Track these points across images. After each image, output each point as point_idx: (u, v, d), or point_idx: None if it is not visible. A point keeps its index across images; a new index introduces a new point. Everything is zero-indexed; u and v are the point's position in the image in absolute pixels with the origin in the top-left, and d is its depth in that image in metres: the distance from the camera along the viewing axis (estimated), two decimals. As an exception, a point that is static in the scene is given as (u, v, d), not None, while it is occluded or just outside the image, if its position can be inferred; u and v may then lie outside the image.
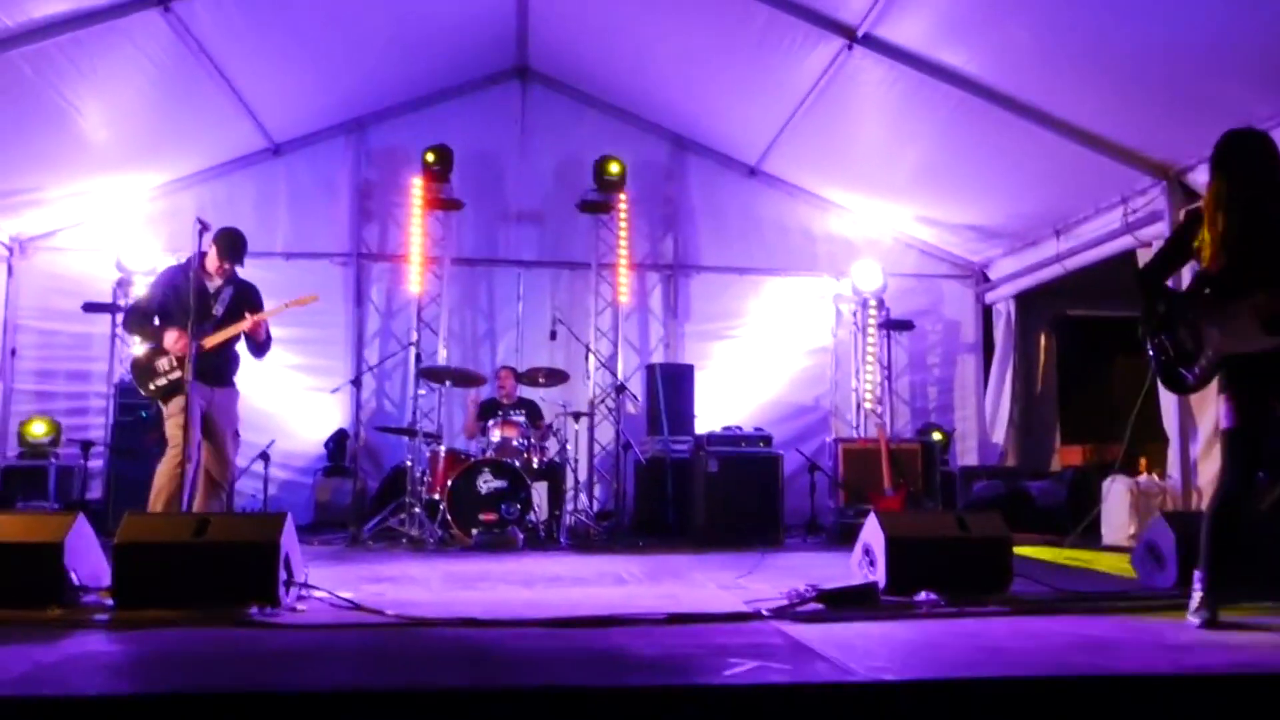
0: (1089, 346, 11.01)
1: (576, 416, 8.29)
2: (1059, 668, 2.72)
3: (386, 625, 3.44)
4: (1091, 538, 7.67)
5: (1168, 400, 7.34)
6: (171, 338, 5.24)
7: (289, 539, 3.77)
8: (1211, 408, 6.94)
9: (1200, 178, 7.03)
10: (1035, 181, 8.14)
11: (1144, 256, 7.70)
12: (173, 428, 5.20)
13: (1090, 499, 7.89)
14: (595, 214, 9.60)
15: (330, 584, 4.04)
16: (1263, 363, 3.54)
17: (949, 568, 4.14)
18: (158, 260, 8.10)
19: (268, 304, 5.65)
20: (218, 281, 5.50)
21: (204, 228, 5.21)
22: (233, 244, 5.48)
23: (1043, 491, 8.91)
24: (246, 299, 5.57)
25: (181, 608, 3.50)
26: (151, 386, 5.31)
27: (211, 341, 5.28)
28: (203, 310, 5.27)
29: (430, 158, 9.03)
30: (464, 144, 9.32)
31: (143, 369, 5.36)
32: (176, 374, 5.24)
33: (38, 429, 8.29)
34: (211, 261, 5.45)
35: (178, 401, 5.18)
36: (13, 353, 8.76)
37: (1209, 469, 6.96)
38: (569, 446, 8.16)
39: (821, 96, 7.96)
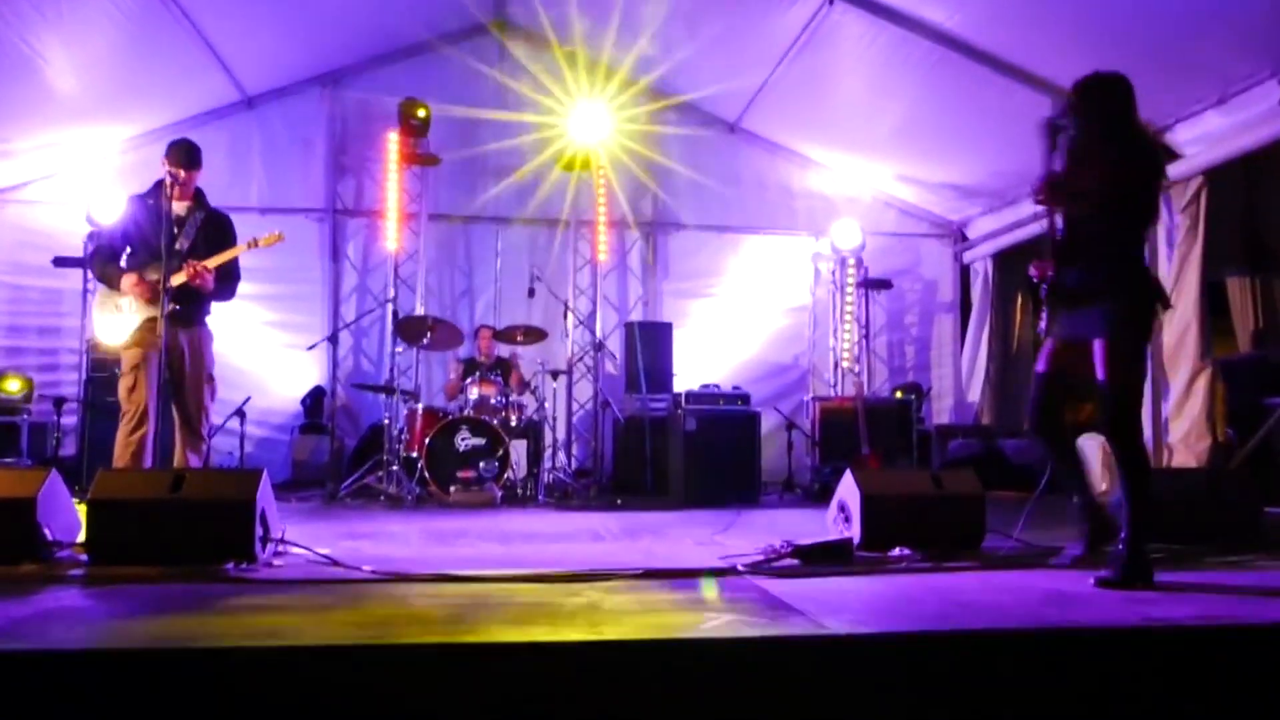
0: (1065, 306, 11.08)
1: (555, 375, 8.29)
2: (1029, 619, 2.76)
3: (364, 580, 3.45)
4: (1064, 495, 7.77)
5: (1141, 359, 7.42)
6: (128, 283, 4.83)
7: (265, 495, 3.76)
8: (1184, 366, 7.03)
9: (1179, 136, 7.06)
10: (1015, 140, 8.06)
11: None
12: (122, 389, 4.84)
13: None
14: (573, 170, 9.52)
15: (308, 541, 4.03)
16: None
17: (924, 524, 4.19)
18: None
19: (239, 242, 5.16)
20: (184, 208, 5.00)
21: (167, 152, 4.89)
22: (185, 149, 4.95)
23: (1018, 450, 9.00)
24: (216, 229, 5.06)
25: (157, 564, 3.50)
26: (111, 332, 4.88)
27: (167, 282, 4.74)
28: (168, 245, 4.79)
29: (407, 112, 8.92)
30: (441, 98, 9.21)
31: (104, 311, 4.92)
32: (134, 318, 4.84)
33: (11, 385, 8.20)
34: (174, 188, 4.91)
35: (130, 357, 4.83)
36: (-17, 307, 8.64)
37: (1180, 427, 7.06)
38: (547, 405, 8.17)
39: (802, 52, 7.90)
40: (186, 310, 4.91)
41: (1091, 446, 7.60)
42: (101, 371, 7.62)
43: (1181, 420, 7.05)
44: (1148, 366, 3.77)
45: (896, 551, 4.05)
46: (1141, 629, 2.63)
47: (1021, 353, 10.41)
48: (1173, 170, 7.09)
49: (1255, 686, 2.47)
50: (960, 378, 10.20)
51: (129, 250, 4.97)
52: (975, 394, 10.01)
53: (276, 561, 3.79)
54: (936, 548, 4.08)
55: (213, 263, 4.89)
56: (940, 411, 10.16)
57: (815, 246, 10.00)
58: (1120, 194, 3.58)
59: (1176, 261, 7.11)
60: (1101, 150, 3.67)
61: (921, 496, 4.30)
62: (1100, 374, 3.57)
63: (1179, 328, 7.10)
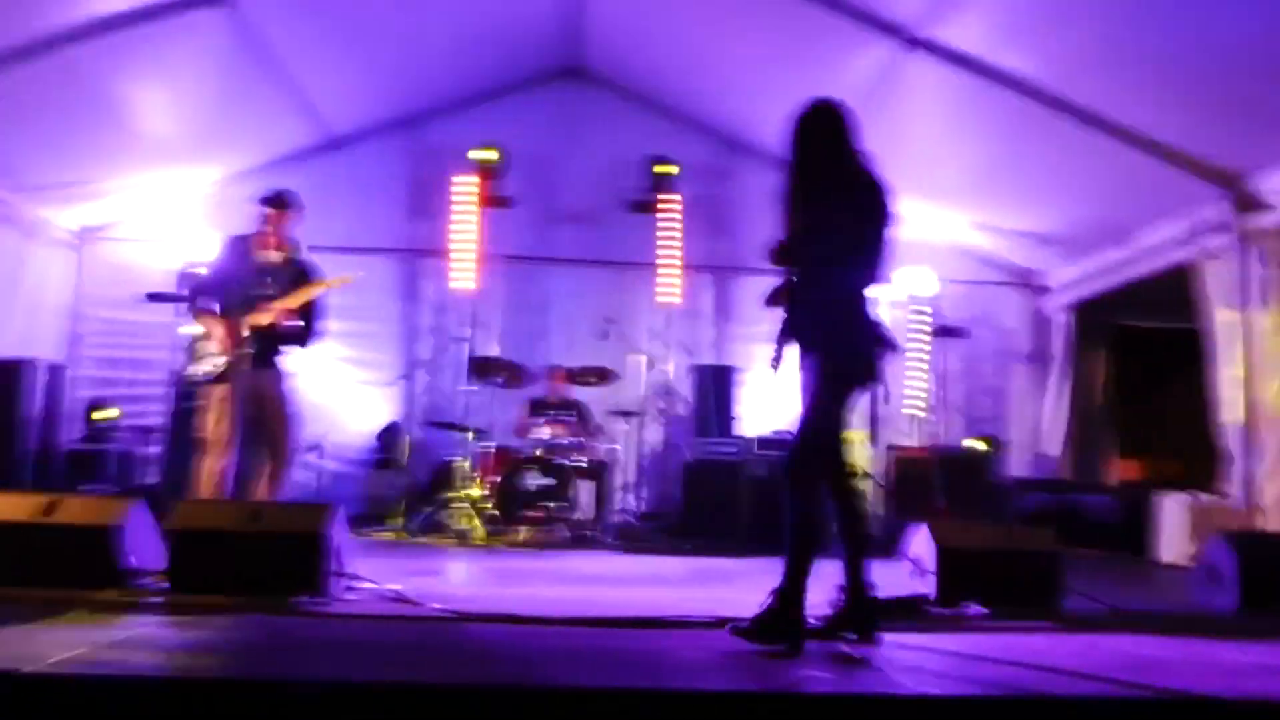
0: (1147, 359, 10.76)
1: (625, 416, 8.29)
2: (1110, 687, 2.65)
3: (431, 619, 3.47)
4: (1145, 554, 7.51)
5: (1231, 416, 7.15)
6: (221, 330, 5.02)
7: (339, 530, 3.82)
8: (1277, 427, 6.75)
9: (1264, 184, 6.84)
10: (1094, 189, 7.97)
11: (1207, 268, 7.51)
12: (210, 422, 4.98)
13: (1146, 515, 7.71)
14: (646, 214, 9.59)
15: (378, 576, 4.07)
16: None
17: (999, 580, 4.08)
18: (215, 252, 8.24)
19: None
20: (278, 256, 5.22)
21: (262, 203, 5.14)
22: (282, 199, 5.22)
23: (1097, 506, 8.73)
24: (303, 279, 5.25)
25: (233, 594, 3.56)
26: (199, 372, 5.06)
27: (253, 326, 5.00)
28: (256, 291, 5.04)
29: (484, 155, 9.09)
30: (517, 141, 9.36)
31: (194, 352, 5.12)
32: (221, 359, 5.00)
33: (102, 414, 8.50)
34: (270, 237, 5.17)
35: (217, 392, 4.98)
36: (79, 339, 8.99)
37: (1273, 489, 6.77)
38: (616, 446, 8.17)
39: (875, 99, 7.84)
40: (269, 352, 5.14)
41: (1176, 506, 7.34)
42: (187, 403, 7.84)
43: (1275, 482, 6.76)
44: (842, 419, 3.39)
45: (971, 608, 3.94)
46: (1237, 703, 2.50)
47: (1102, 405, 10.12)
48: (1263, 221, 6.88)
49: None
50: (1038, 429, 9.94)
51: (221, 294, 5.18)
52: (1054, 447, 9.73)
53: (347, 596, 3.83)
54: (1012, 605, 3.96)
55: (291, 302, 5.09)
56: (1017, 464, 9.90)
57: (889, 293, 9.88)
58: (816, 238, 3.35)
59: (1269, 317, 6.85)
60: (799, 191, 3.46)
61: (998, 552, 4.19)
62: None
63: (1273, 386, 6.83)
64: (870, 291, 3.46)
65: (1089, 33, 6.21)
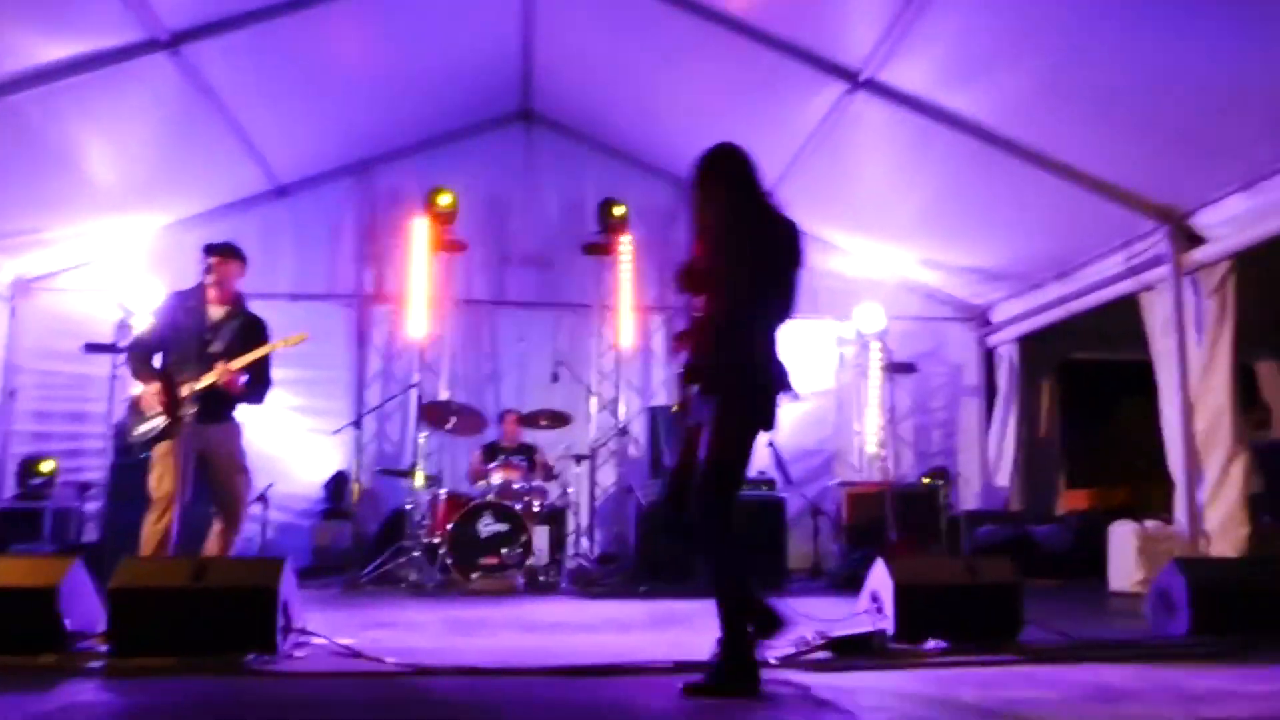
0: (1092, 390, 10.99)
1: (578, 459, 8.24)
2: (1074, 718, 2.65)
3: (387, 674, 3.37)
4: (1097, 583, 7.59)
5: (1173, 444, 7.30)
6: (150, 391, 4.88)
7: (288, 584, 3.72)
8: (1218, 452, 6.90)
9: (1203, 220, 7.05)
10: (1038, 225, 8.15)
11: (1147, 300, 7.69)
12: (153, 480, 4.85)
13: (1097, 544, 7.81)
14: (598, 256, 9.62)
15: (329, 630, 3.96)
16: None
17: (959, 614, 4.08)
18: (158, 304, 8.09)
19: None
20: (221, 312, 5.10)
21: (208, 251, 5.02)
22: (228, 248, 5.11)
23: (1048, 536, 8.82)
24: (251, 335, 5.11)
25: (178, 654, 3.44)
26: (136, 432, 4.93)
27: (198, 387, 4.86)
28: (201, 348, 4.93)
29: (437, 200, 9.07)
30: (469, 186, 9.37)
31: (135, 411, 5.00)
32: (159, 420, 4.86)
33: (38, 469, 8.22)
34: (213, 291, 5.06)
35: (160, 449, 4.86)
36: (11, 394, 8.71)
37: (1216, 513, 6.90)
38: (570, 490, 8.11)
39: (825, 140, 8.00)
40: (215, 409, 4.99)
41: (1125, 534, 7.45)
42: (126, 458, 7.62)
43: (1218, 506, 6.89)
44: (746, 460, 3.33)
45: (931, 643, 3.93)
46: (1196, 730, 2.52)
47: (1049, 437, 10.29)
48: (1199, 254, 7.08)
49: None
50: (987, 462, 10.06)
51: (163, 350, 5.05)
52: (1003, 479, 9.85)
53: (298, 653, 3.72)
54: (973, 639, 3.96)
55: (238, 363, 4.94)
56: (967, 497, 9.99)
57: (839, 330, 9.98)
58: (717, 277, 3.32)
59: (1207, 345, 7.03)
60: (704, 230, 3.45)
61: (956, 586, 4.20)
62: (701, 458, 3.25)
63: (1211, 413, 6.99)
64: (777, 332, 3.41)
65: (1032, 73, 6.38)
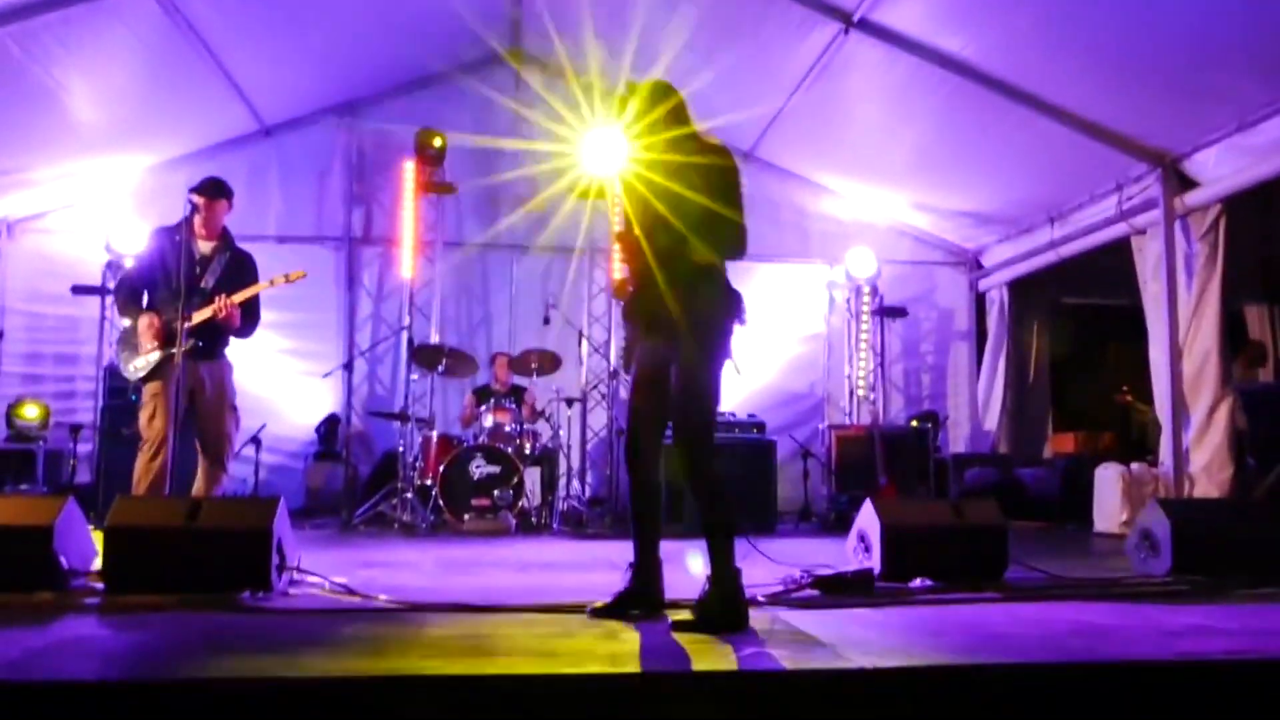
0: (1083, 334, 11.02)
1: (570, 402, 8.27)
2: (1055, 653, 2.71)
3: (380, 610, 3.42)
4: (1084, 525, 7.70)
5: (1161, 387, 7.36)
6: (144, 323, 4.85)
7: (281, 524, 3.74)
8: (1205, 395, 6.97)
9: (1194, 166, 7.03)
10: (1031, 168, 8.13)
11: (1138, 244, 7.70)
12: (144, 419, 4.85)
13: (1083, 486, 7.91)
14: (589, 199, 9.55)
15: (323, 569, 4.01)
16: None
17: (945, 555, 4.14)
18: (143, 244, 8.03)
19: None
20: (209, 247, 5.02)
21: (193, 192, 4.92)
22: (214, 186, 5.03)
23: (1035, 479, 8.94)
24: (241, 269, 5.07)
25: (173, 592, 3.47)
26: (130, 368, 4.92)
27: (196, 320, 4.81)
28: (191, 283, 4.82)
29: (422, 141, 8.98)
30: (457, 127, 9.28)
31: (125, 348, 4.97)
32: (155, 355, 4.85)
33: (29, 412, 8.23)
34: (200, 225, 4.96)
35: (150, 388, 4.86)
36: (0, 335, 8.69)
37: (1200, 457, 6.98)
38: (562, 432, 8.15)
39: (818, 81, 7.92)
40: (208, 345, 4.94)
41: (1110, 477, 7.55)
42: (118, 399, 7.64)
43: (1203, 449, 6.97)
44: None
45: (917, 582, 4.00)
46: (1174, 663, 2.57)
47: (1038, 381, 10.36)
48: (1191, 198, 7.07)
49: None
50: (976, 406, 10.14)
51: (150, 287, 4.99)
52: (992, 422, 9.94)
53: (292, 590, 3.76)
54: (958, 578, 4.02)
55: (238, 298, 4.92)
56: (956, 440, 10.09)
57: (830, 274, 9.98)
58: (732, 223, 3.32)
59: (1196, 289, 7.06)
60: (654, 167, 3.42)
61: (942, 527, 4.25)
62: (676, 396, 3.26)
63: (1199, 356, 7.04)
64: (729, 262, 3.40)
65: (1027, 15, 6.32)
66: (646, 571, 3.35)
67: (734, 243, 3.37)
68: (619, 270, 7.98)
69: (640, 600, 3.29)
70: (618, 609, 3.25)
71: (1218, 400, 6.93)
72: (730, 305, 3.35)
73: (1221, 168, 6.78)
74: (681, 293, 3.26)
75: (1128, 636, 2.99)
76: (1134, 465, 7.55)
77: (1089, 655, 2.67)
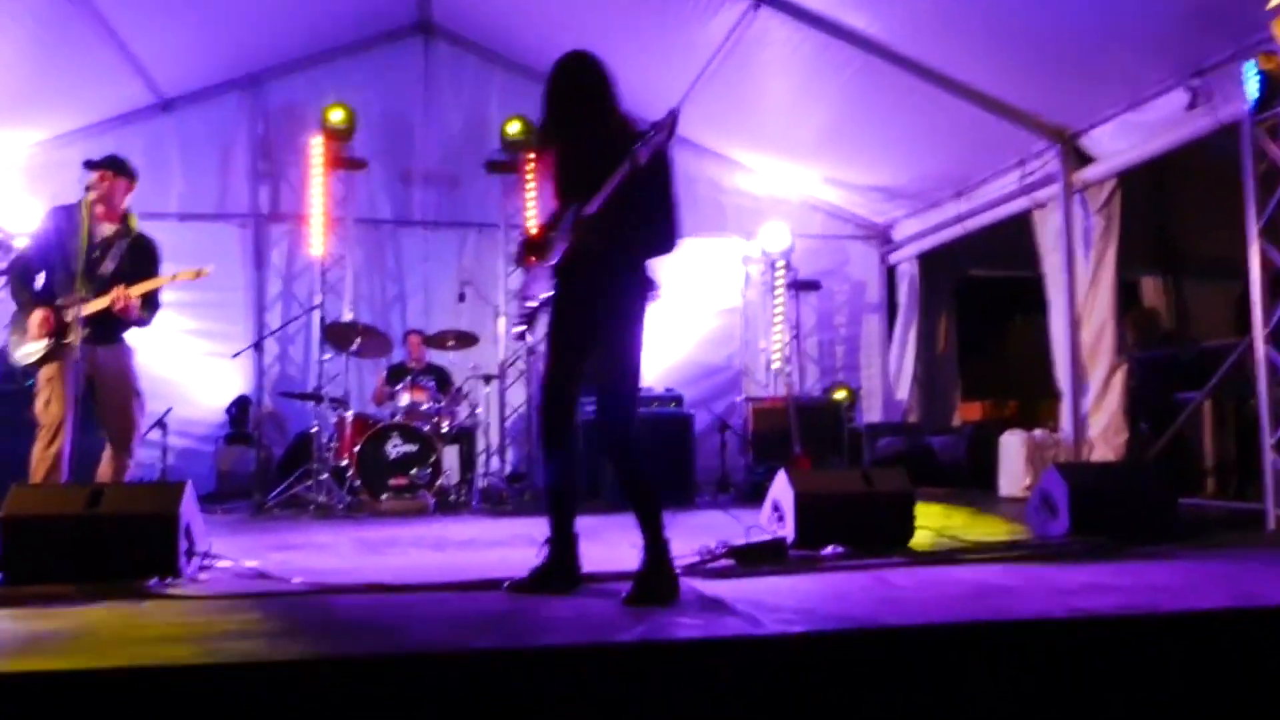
0: (988, 306, 11.36)
1: (487, 379, 8.23)
2: (958, 614, 2.82)
3: (294, 594, 3.38)
4: (989, 490, 7.97)
5: (1060, 356, 7.63)
6: (36, 319, 4.63)
7: (189, 508, 3.67)
8: (1102, 363, 7.25)
9: (1091, 142, 7.28)
10: (937, 144, 8.31)
11: (1039, 218, 7.95)
12: (39, 405, 4.65)
13: (989, 453, 8.18)
14: (503, 174, 9.47)
15: (235, 553, 3.94)
16: (560, 308, 3.37)
17: (856, 522, 4.26)
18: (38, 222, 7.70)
19: (163, 269, 4.99)
20: (110, 229, 4.81)
21: (90, 167, 4.72)
22: (114, 162, 4.83)
23: (944, 447, 9.20)
24: (142, 256, 4.87)
25: (76, 582, 3.38)
26: (19, 354, 4.70)
27: (89, 310, 4.62)
28: (88, 267, 4.64)
29: (332, 115, 8.78)
30: (367, 102, 9.11)
31: (15, 333, 4.73)
32: (44, 342, 4.63)
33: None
34: (100, 207, 4.76)
35: (45, 372, 4.66)
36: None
37: (1099, 422, 7.28)
38: (479, 410, 8.11)
39: (729, 57, 7.96)
40: (104, 328, 4.73)
41: (1014, 443, 7.82)
42: (8, 384, 7.32)
43: (1100, 415, 7.27)
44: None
45: (830, 549, 4.10)
46: (1068, 620, 2.70)
47: (947, 352, 10.65)
48: (1087, 173, 7.33)
49: (1176, 675, 2.56)
50: (888, 376, 10.38)
51: (46, 269, 4.78)
52: (903, 392, 10.19)
53: (202, 576, 3.69)
54: (868, 545, 4.14)
55: (137, 291, 4.71)
56: (870, 410, 10.32)
57: (745, 249, 10.08)
58: (671, 208, 3.35)
59: (1093, 261, 7.32)
60: (578, 142, 3.39)
61: (853, 495, 4.37)
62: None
63: (1096, 326, 7.32)
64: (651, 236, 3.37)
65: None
66: (563, 546, 3.37)
67: (668, 232, 3.37)
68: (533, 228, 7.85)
69: (558, 575, 3.31)
70: (536, 584, 3.27)
71: (1113, 368, 7.22)
72: (648, 284, 3.40)
73: (1116, 143, 7.04)
74: (614, 272, 3.28)
75: (1023, 595, 3.12)
76: (1037, 431, 7.83)
77: (988, 615, 2.79)
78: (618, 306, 3.31)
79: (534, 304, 3.39)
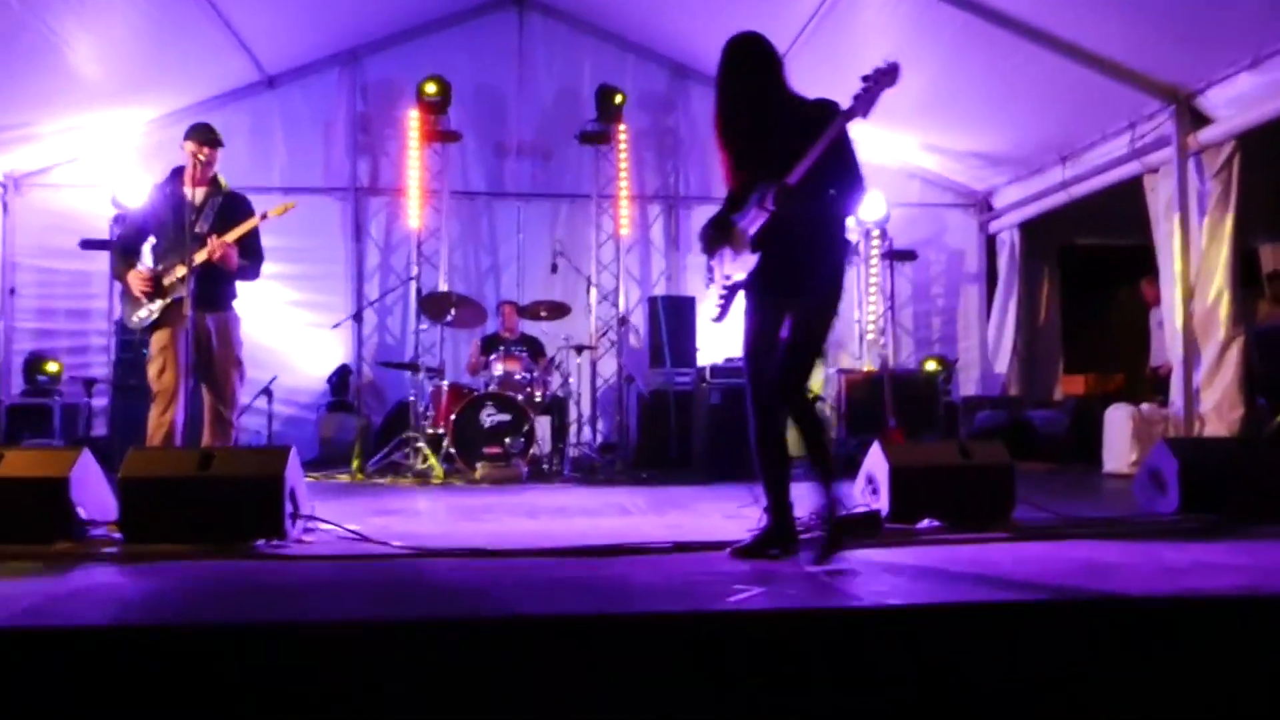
0: (1093, 275, 10.94)
1: (579, 350, 8.29)
2: (1059, 592, 2.74)
3: (394, 556, 3.47)
4: (1093, 466, 7.72)
5: (1171, 328, 7.32)
6: (135, 280, 4.82)
7: (294, 472, 3.78)
8: (1216, 335, 6.93)
9: (1208, 102, 6.92)
10: (1041, 107, 8.00)
11: (1150, 183, 7.61)
12: (153, 372, 4.84)
13: (1093, 428, 7.91)
14: (595, 145, 9.48)
15: (336, 518, 4.06)
16: (765, 278, 3.38)
17: (952, 495, 4.16)
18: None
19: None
20: (201, 193, 4.90)
21: (187, 138, 4.88)
22: (203, 131, 4.94)
23: (1045, 421, 8.93)
24: (234, 209, 4.97)
25: (189, 541, 3.53)
26: (135, 318, 4.90)
27: (181, 272, 4.71)
28: (186, 231, 4.70)
29: (427, 89, 8.89)
30: (461, 75, 9.20)
31: (127, 301, 4.96)
32: (154, 304, 4.82)
33: (44, 368, 8.31)
34: (191, 174, 4.87)
35: (157, 340, 4.85)
36: (11, 291, 8.73)
37: (1211, 396, 6.97)
38: (571, 380, 8.18)
39: (825, 21, 7.79)
40: (211, 293, 4.86)
41: (1120, 417, 7.54)
42: (129, 353, 7.68)
43: (1214, 390, 6.95)
44: None
45: (925, 523, 4.03)
46: (1175, 599, 2.60)
47: (1049, 323, 10.32)
48: (1204, 135, 6.97)
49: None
50: (987, 349, 10.11)
51: (153, 240, 5.01)
52: (1002, 365, 9.92)
53: (306, 538, 3.82)
54: (965, 519, 4.05)
55: (230, 236, 4.84)
56: (967, 383, 10.08)
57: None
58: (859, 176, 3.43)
59: (1207, 229, 6.99)
60: (770, 124, 3.47)
61: (950, 468, 4.26)
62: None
63: (1210, 297, 6.99)
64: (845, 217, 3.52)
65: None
66: (781, 511, 3.43)
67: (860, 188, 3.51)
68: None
69: (777, 540, 3.39)
70: (758, 549, 3.36)
71: (1229, 340, 6.89)
72: (848, 244, 3.54)
73: (1235, 104, 6.67)
74: (822, 234, 3.36)
75: (1132, 573, 3.01)
76: (1144, 405, 7.53)
77: (1092, 593, 2.70)
78: (827, 267, 3.36)
79: (735, 281, 3.46)
